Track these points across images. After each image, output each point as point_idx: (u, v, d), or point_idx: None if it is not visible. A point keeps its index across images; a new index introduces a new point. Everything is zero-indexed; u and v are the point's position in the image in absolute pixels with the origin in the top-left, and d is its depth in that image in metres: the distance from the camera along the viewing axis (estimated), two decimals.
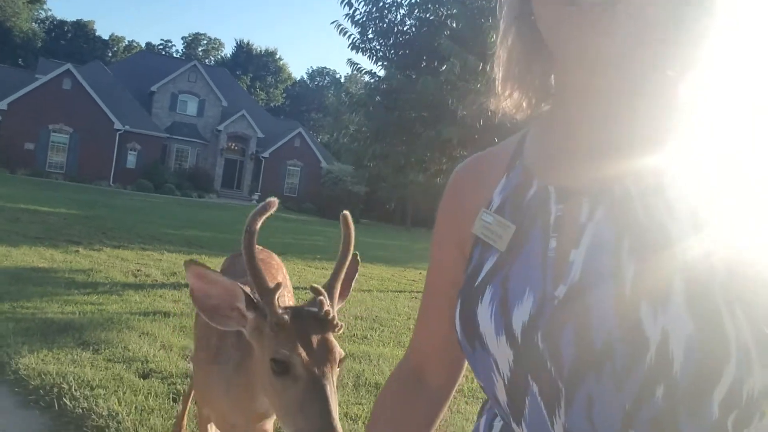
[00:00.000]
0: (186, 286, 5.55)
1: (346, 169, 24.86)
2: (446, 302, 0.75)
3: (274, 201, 1.12)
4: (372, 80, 10.77)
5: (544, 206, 0.64)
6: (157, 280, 6.85)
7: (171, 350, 4.14)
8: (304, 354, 1.07)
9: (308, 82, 74.43)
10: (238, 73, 60.79)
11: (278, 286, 1.12)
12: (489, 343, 0.62)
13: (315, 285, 1.16)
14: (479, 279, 0.66)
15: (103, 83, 32.00)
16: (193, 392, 2.15)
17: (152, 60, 42.06)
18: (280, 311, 1.12)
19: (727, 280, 0.51)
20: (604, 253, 0.57)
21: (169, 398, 3.26)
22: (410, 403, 0.81)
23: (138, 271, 7.23)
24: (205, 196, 32.35)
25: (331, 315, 1.13)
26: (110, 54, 66.11)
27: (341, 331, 1.15)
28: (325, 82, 73.38)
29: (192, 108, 37.73)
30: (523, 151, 0.72)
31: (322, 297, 1.12)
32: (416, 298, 7.88)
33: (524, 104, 0.73)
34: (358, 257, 1.29)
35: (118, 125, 31.05)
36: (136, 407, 3.06)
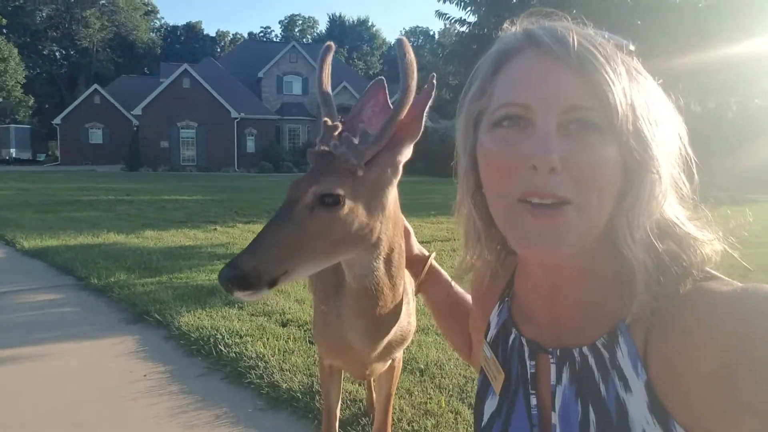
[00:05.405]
0: None
1: (452, 125, 24.53)
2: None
3: (331, 44, 1.12)
4: (463, 28, 10.42)
5: (522, 358, 0.77)
6: None
7: (304, 303, 4.54)
8: (290, 188, 1.00)
9: None
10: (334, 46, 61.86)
11: (326, 123, 1.08)
12: None
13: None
14: (485, 420, 0.82)
15: (216, 77, 34.42)
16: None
17: (255, 48, 44.28)
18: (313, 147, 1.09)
19: None
20: (575, 424, 0.68)
21: (306, 341, 3.62)
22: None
23: None
24: None
25: (327, 149, 1.03)
26: (219, 49, 70.50)
27: (348, 163, 1.02)
28: (420, 41, 72.22)
29: (297, 87, 39.35)
30: (513, 284, 0.84)
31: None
32: None
33: (492, 258, 0.81)
34: (434, 80, 1.05)
35: (234, 114, 33.35)
36: (278, 349, 3.44)
